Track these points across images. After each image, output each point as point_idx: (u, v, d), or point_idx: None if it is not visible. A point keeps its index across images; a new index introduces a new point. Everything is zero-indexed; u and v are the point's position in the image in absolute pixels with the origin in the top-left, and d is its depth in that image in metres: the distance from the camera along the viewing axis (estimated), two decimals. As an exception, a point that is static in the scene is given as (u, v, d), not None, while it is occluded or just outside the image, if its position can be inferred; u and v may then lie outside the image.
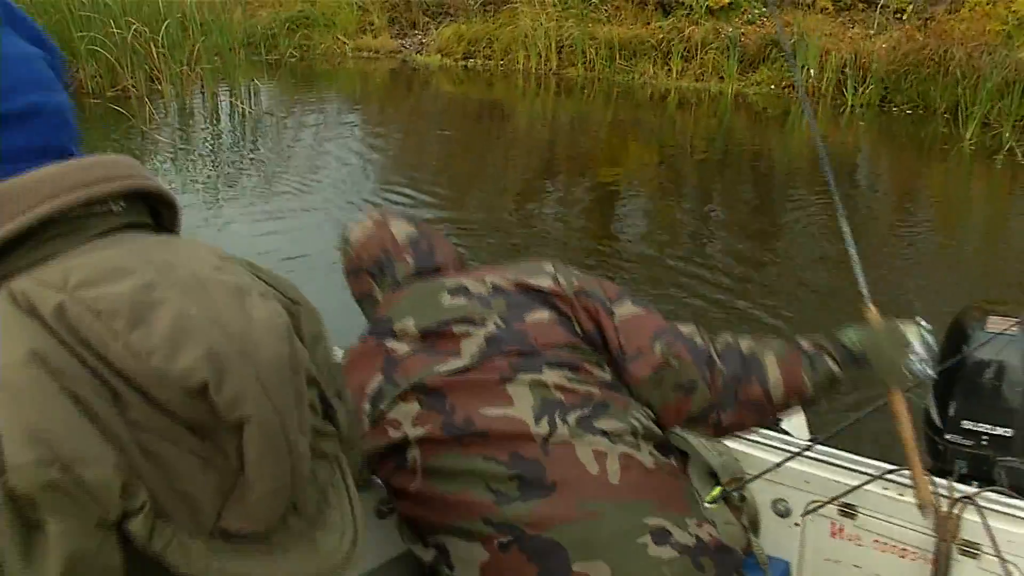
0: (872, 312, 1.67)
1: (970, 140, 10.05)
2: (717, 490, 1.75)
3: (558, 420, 1.27)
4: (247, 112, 11.26)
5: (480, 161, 9.70)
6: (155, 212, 0.66)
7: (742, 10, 14.67)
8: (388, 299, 1.52)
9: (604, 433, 1.27)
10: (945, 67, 11.49)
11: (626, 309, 1.42)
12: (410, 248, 1.57)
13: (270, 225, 6.65)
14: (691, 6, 14.77)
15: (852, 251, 1.83)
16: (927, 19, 13.42)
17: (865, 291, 1.72)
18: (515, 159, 9.80)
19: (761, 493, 1.88)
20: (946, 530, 1.65)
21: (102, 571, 0.50)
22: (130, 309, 0.51)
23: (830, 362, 1.47)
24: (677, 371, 1.37)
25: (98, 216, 0.60)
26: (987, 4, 12.75)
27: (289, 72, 14.79)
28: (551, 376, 1.31)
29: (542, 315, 1.38)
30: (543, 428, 1.26)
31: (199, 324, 0.53)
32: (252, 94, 12.00)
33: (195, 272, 0.56)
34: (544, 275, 1.45)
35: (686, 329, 1.44)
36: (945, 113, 11.19)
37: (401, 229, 1.60)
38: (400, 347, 1.40)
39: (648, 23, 14.98)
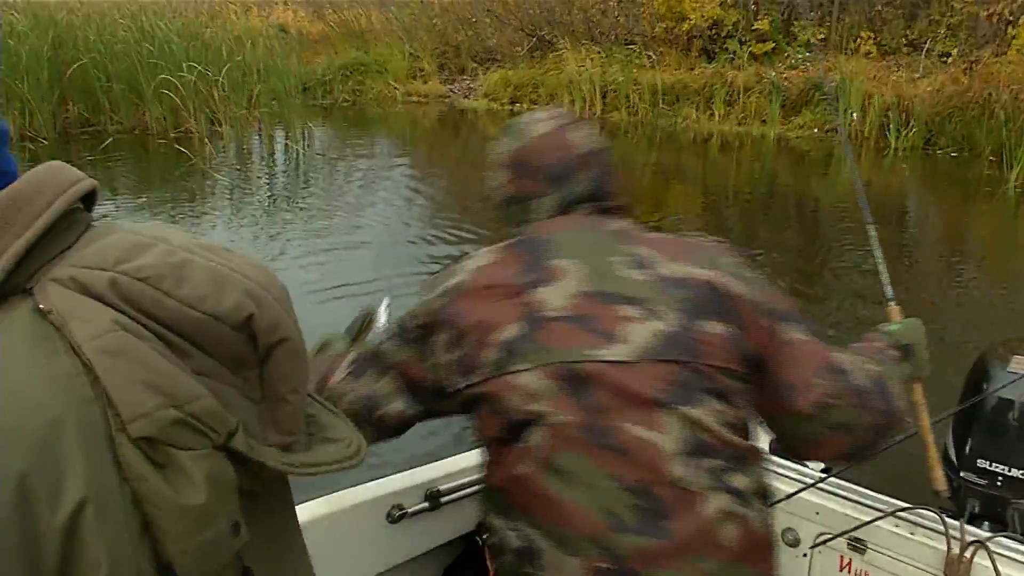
0: (896, 310, 1.78)
1: (1016, 182, 9.97)
2: None
3: (697, 466, 1.19)
4: (301, 153, 11.69)
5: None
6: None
7: (785, 55, 14.82)
8: (550, 222, 1.35)
9: (733, 491, 1.22)
10: (990, 109, 11.46)
11: (795, 334, 1.30)
12: (590, 165, 1.38)
13: (319, 259, 6.92)
14: (734, 52, 14.98)
15: (878, 255, 1.94)
16: (972, 62, 13.39)
17: (890, 292, 1.84)
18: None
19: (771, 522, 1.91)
20: (956, 573, 1.62)
21: (225, 486, 0.60)
22: (170, 270, 0.60)
23: (906, 366, 1.49)
24: (837, 411, 1.28)
25: (79, 212, 0.67)
26: (1033, 47, 12.72)
27: (342, 116, 15.27)
28: (704, 411, 1.20)
29: (716, 327, 1.23)
30: (680, 470, 1.18)
31: (226, 273, 0.62)
32: (306, 136, 12.48)
33: (187, 240, 0.65)
34: (735, 277, 1.30)
35: (847, 363, 1.33)
36: (990, 156, 11.09)
37: (584, 139, 1.40)
38: (549, 299, 1.23)
39: (692, 68, 15.22)
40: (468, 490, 1.90)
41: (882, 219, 8.78)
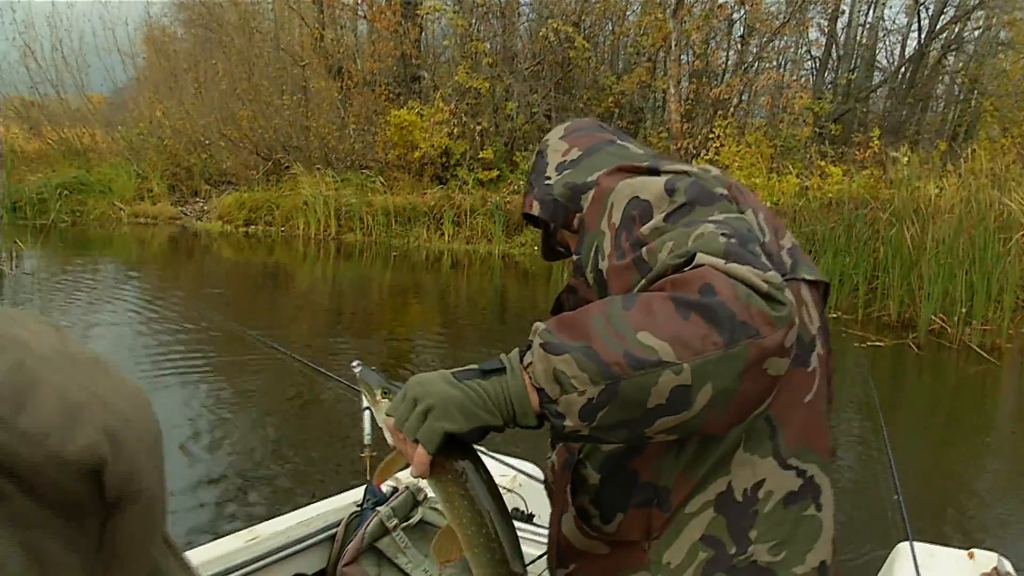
0: None
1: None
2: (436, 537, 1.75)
3: None
4: (6, 274, 10.86)
5: (263, 324, 9.52)
6: None
7: (508, 181, 16.19)
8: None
9: None
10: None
11: None
12: None
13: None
14: (463, 178, 16.12)
15: None
16: (665, 190, 15.30)
17: None
18: (299, 322, 9.78)
19: None
20: None
21: None
22: (12, 391, 0.46)
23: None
24: None
25: None
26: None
27: (59, 236, 14.41)
28: None
29: None
30: None
31: (86, 401, 0.49)
32: (15, 256, 11.61)
33: (52, 347, 0.51)
34: None
35: None
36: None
37: None
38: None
39: (425, 193, 16.15)
40: None
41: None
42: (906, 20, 19.22)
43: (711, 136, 15.95)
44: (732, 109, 17.18)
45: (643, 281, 0.91)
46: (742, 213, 1.04)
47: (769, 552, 1.05)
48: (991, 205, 9.29)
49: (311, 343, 8.30)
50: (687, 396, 0.81)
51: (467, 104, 17.05)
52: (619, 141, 1.34)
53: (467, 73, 16.87)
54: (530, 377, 0.89)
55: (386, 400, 1.05)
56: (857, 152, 15.21)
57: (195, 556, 1.85)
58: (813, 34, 19.28)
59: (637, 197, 1.05)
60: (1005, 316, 8.80)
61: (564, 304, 1.23)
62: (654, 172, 1.10)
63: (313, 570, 2.14)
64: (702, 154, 15.84)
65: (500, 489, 1.05)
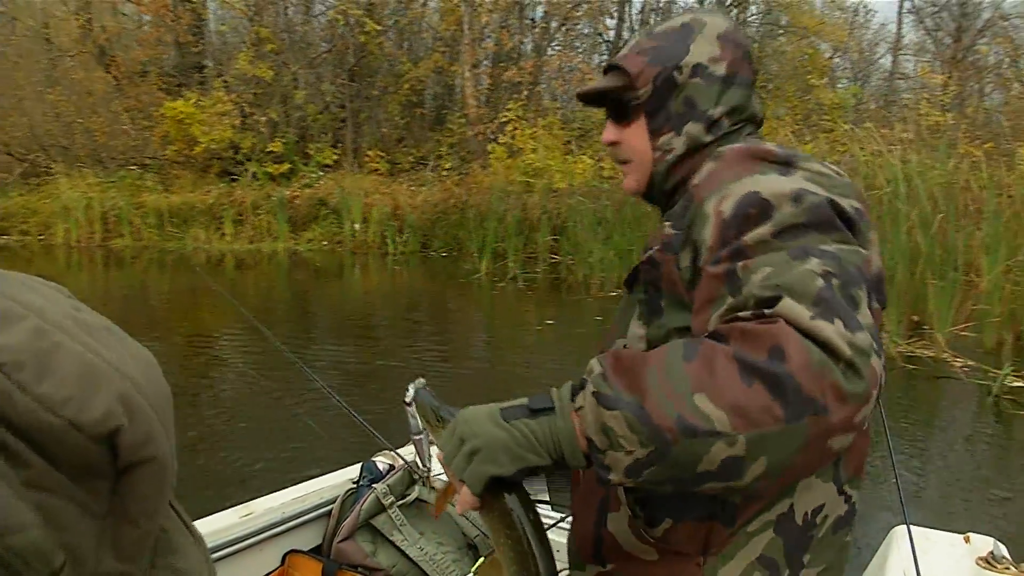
0: None
1: (485, 272, 11.30)
2: (481, 561, 1.77)
3: None
4: None
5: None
6: None
7: (301, 174, 15.37)
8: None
9: None
10: (466, 213, 12.96)
11: None
12: None
13: None
14: (254, 173, 15.15)
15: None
16: (463, 174, 15.14)
17: None
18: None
19: None
20: None
21: None
22: (34, 358, 0.46)
23: None
24: None
25: None
26: (507, 158, 14.76)
27: None
28: None
29: None
30: None
31: (102, 368, 0.49)
32: None
33: (65, 313, 0.50)
34: None
35: None
36: (474, 252, 12.43)
37: None
38: None
39: (209, 190, 15.02)
40: None
41: (389, 315, 9.44)
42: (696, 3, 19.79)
43: (506, 120, 15.75)
44: (527, 92, 17.05)
45: (723, 308, 0.86)
46: (865, 239, 0.94)
47: None
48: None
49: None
50: (739, 466, 0.78)
51: (252, 94, 16.04)
52: (753, 86, 1.17)
53: (249, 61, 15.86)
54: (579, 421, 0.87)
55: (441, 427, 1.05)
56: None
57: None
58: (610, 22, 19.55)
59: (758, 193, 0.93)
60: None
61: (639, 275, 1.07)
62: (790, 165, 0.98)
63: (308, 546, 2.16)
64: (499, 138, 15.66)
65: None
